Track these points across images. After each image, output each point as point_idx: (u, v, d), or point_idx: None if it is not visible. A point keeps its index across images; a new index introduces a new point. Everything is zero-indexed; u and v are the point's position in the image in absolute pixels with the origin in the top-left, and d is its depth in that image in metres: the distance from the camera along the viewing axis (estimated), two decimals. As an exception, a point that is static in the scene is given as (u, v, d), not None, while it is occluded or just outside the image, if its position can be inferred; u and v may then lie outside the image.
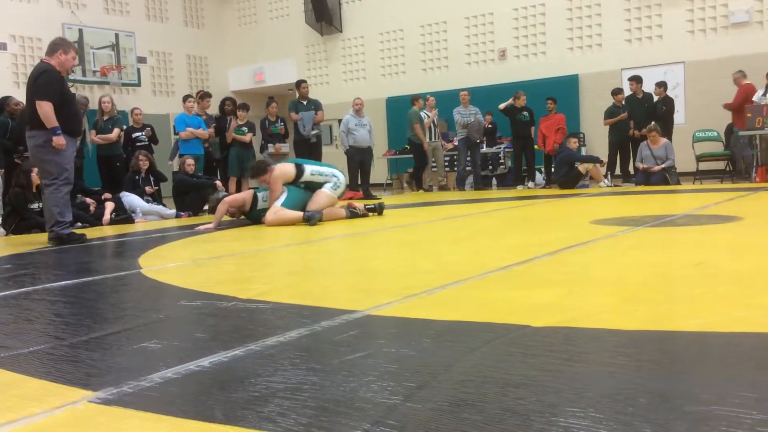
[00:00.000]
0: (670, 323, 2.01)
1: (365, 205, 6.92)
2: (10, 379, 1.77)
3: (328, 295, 2.76)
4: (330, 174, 6.56)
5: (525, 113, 11.39)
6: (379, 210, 6.80)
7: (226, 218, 6.86)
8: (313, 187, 6.47)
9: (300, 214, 6.18)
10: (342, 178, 6.65)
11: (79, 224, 7.42)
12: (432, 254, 3.93)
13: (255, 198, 6.73)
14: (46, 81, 5.58)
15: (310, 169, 6.51)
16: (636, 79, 10.85)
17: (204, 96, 10.73)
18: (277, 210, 6.27)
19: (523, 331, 1.94)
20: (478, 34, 14.69)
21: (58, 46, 5.79)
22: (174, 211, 8.81)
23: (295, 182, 6.43)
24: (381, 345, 1.89)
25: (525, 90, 11.78)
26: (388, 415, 1.34)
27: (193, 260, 4.29)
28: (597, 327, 1.96)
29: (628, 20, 12.98)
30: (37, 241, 6.02)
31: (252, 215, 6.74)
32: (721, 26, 12.12)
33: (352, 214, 6.54)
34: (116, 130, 9.48)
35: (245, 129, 10.01)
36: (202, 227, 6.43)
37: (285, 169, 6.48)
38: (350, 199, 8.58)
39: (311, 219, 6.05)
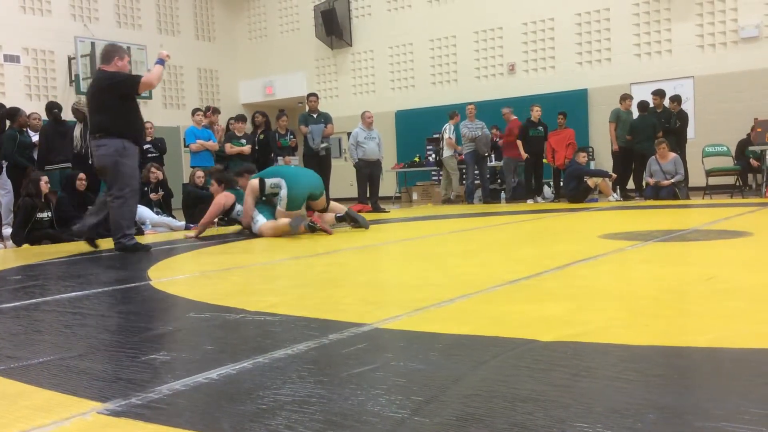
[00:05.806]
0: (680, 338, 2.00)
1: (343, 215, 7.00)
2: (20, 389, 1.77)
3: (336, 307, 2.75)
4: (276, 184, 6.74)
5: (540, 128, 11.39)
6: (353, 221, 6.90)
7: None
8: (271, 198, 6.80)
9: (287, 220, 6.38)
10: (283, 186, 6.70)
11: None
12: (441, 267, 3.92)
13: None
14: (124, 76, 5.63)
15: (269, 182, 6.78)
16: (659, 94, 10.84)
17: (214, 111, 10.83)
18: (270, 223, 6.54)
19: (532, 345, 1.94)
20: (487, 48, 14.74)
21: (112, 53, 5.70)
22: (183, 222, 8.84)
23: (261, 194, 6.77)
24: (389, 358, 1.89)
25: (534, 104, 11.80)
26: (395, 428, 1.34)
27: (202, 272, 4.30)
28: (606, 342, 1.95)
29: (638, 35, 12.99)
30: (47, 252, 6.05)
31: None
32: (731, 41, 12.11)
33: (310, 227, 6.40)
34: None
35: (243, 141, 10.03)
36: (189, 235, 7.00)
37: (253, 184, 6.80)
38: (359, 212, 8.58)
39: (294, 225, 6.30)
